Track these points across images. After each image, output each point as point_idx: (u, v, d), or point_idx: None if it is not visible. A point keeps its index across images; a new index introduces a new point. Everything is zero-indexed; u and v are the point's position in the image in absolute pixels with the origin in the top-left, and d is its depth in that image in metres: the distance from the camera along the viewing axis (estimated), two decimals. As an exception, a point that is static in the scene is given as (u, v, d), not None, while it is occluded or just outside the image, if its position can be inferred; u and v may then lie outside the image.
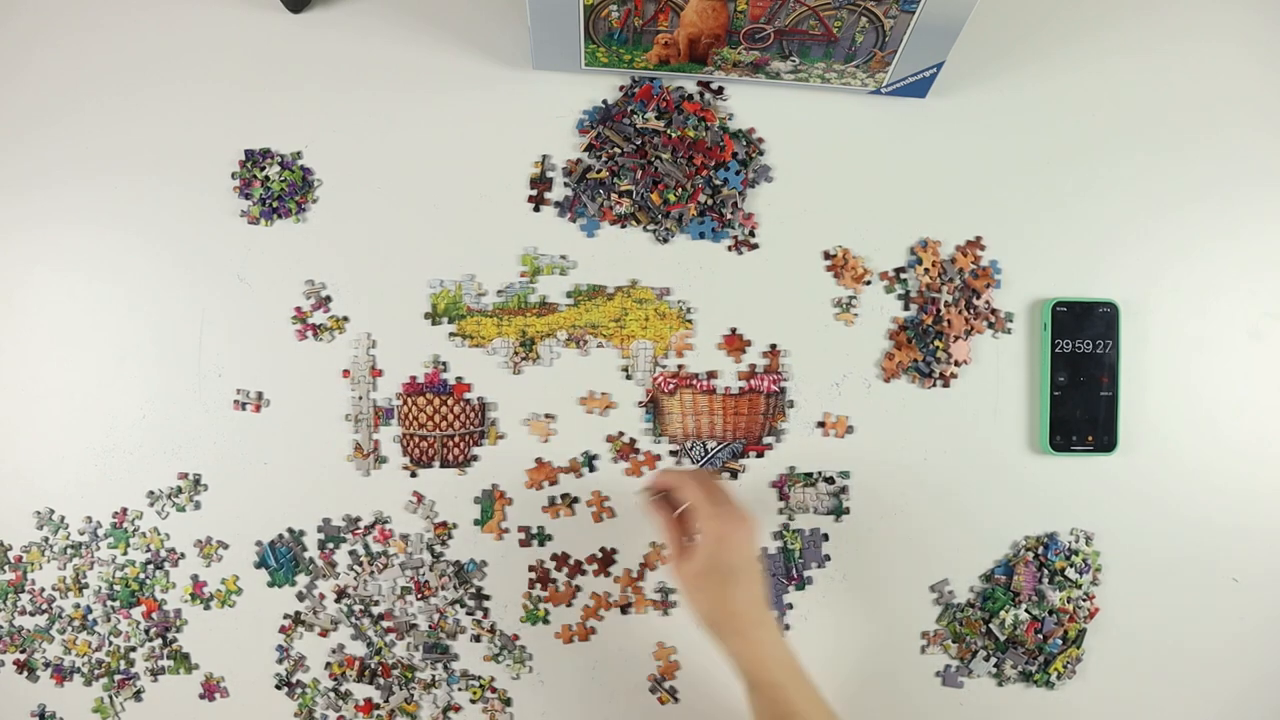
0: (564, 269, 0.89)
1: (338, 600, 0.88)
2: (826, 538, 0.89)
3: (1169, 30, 0.92)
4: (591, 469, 0.88)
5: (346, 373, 0.88)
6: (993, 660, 0.89)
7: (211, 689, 0.88)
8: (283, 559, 0.88)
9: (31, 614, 0.88)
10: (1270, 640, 0.91)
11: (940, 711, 0.89)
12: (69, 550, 0.88)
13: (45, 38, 0.89)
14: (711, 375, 0.89)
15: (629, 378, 0.89)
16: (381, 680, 0.88)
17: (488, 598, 0.88)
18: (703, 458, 0.89)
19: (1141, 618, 0.90)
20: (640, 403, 0.89)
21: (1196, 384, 0.91)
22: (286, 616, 0.88)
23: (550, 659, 0.89)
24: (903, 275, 0.90)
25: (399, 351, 0.88)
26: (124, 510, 0.88)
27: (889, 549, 0.89)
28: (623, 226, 0.89)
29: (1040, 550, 0.89)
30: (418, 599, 0.88)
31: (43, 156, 0.88)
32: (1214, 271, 0.91)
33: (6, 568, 0.88)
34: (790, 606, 0.89)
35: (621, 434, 0.88)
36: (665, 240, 0.89)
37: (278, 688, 0.88)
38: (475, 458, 0.88)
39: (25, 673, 0.88)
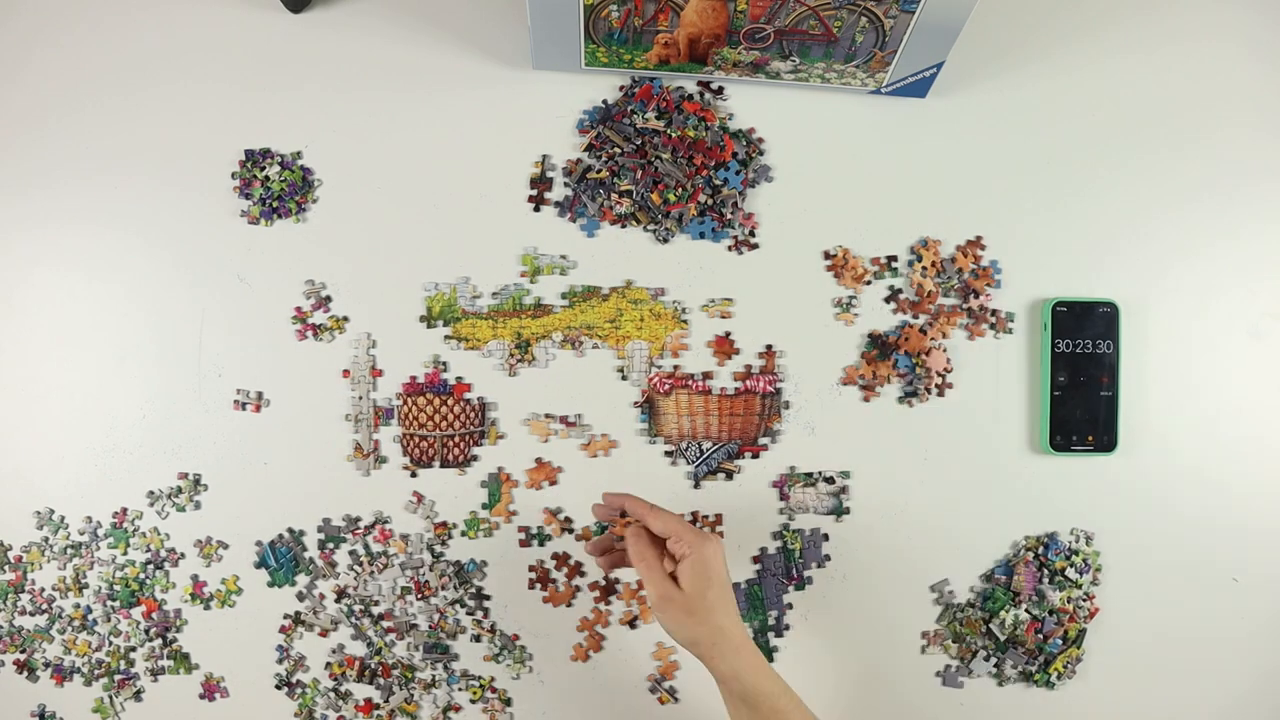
0: (564, 269, 0.89)
1: (338, 600, 0.88)
2: (827, 538, 0.89)
3: (1169, 30, 0.92)
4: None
5: (347, 373, 0.88)
6: (993, 660, 0.89)
7: (211, 689, 0.88)
8: (283, 559, 0.88)
9: (31, 614, 0.88)
10: (1270, 640, 0.91)
11: (940, 711, 0.89)
12: (69, 550, 0.88)
13: (45, 38, 0.89)
14: (707, 376, 0.89)
15: (624, 378, 0.89)
16: (381, 680, 0.88)
17: (488, 598, 0.88)
18: (698, 458, 0.89)
19: (1141, 618, 0.90)
20: (635, 403, 0.89)
21: (1196, 384, 0.91)
22: (286, 616, 0.88)
23: (550, 659, 0.89)
24: (894, 264, 0.90)
25: (399, 351, 0.88)
26: (124, 510, 0.88)
27: (889, 549, 0.89)
28: (623, 226, 0.89)
29: (1040, 550, 0.89)
30: (418, 599, 0.88)
31: (43, 156, 0.88)
32: (1214, 271, 0.91)
33: (6, 568, 0.88)
34: (790, 606, 0.89)
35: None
36: (665, 240, 0.89)
37: (278, 688, 0.88)
38: (475, 458, 0.88)
39: (25, 673, 0.88)
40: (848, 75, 0.86)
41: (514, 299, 0.88)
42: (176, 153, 0.88)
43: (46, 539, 0.88)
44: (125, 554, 0.88)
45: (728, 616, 0.72)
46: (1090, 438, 0.89)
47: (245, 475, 0.88)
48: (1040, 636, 0.89)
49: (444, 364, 0.88)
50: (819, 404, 0.89)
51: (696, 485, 0.89)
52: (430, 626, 0.88)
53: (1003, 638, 0.89)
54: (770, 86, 0.89)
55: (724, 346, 0.89)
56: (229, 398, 0.88)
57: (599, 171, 0.89)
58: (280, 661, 0.88)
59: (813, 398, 0.89)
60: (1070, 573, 0.89)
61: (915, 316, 0.90)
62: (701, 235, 0.89)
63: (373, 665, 0.88)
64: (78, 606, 0.88)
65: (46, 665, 0.88)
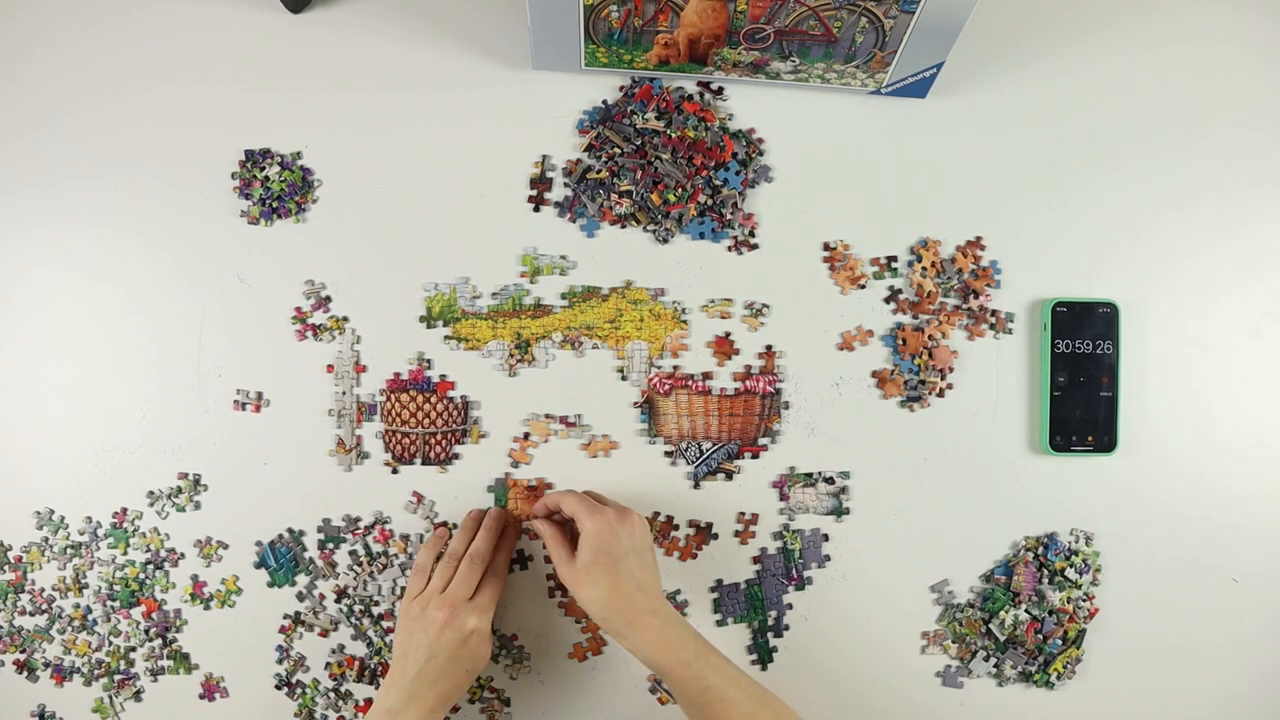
0: (564, 269, 0.89)
1: (338, 600, 0.88)
2: (827, 538, 0.89)
3: (1169, 30, 0.92)
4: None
5: (330, 368, 0.88)
6: (993, 660, 0.89)
7: (211, 689, 0.88)
8: (283, 559, 0.88)
9: (31, 614, 0.88)
10: (1270, 640, 0.91)
11: (940, 711, 0.89)
12: (69, 550, 0.88)
13: (45, 38, 0.89)
14: (707, 376, 0.89)
15: (624, 379, 0.89)
16: (381, 680, 0.88)
17: (487, 598, 0.88)
18: (698, 458, 0.89)
19: (1141, 618, 0.90)
20: (635, 404, 0.89)
21: (1196, 384, 0.91)
22: (286, 616, 0.88)
23: (550, 659, 0.89)
24: (893, 264, 0.90)
25: (392, 349, 0.88)
26: (124, 510, 0.88)
27: (889, 549, 0.89)
28: (623, 227, 0.89)
29: (1040, 550, 0.89)
30: (418, 599, 0.88)
31: (43, 156, 0.88)
32: (1214, 271, 0.91)
33: (6, 568, 0.88)
34: (790, 607, 0.89)
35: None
36: (665, 240, 0.89)
37: (278, 688, 0.88)
38: (456, 456, 0.88)
39: (25, 673, 0.88)
40: (848, 75, 0.86)
41: (514, 299, 0.88)
42: (176, 153, 0.88)
43: (46, 539, 0.88)
44: (125, 554, 0.88)
45: (629, 589, 0.74)
46: (1090, 438, 0.89)
47: (245, 475, 0.88)
48: (1040, 637, 0.89)
49: (428, 361, 0.88)
50: (819, 404, 0.89)
51: (696, 485, 0.89)
52: (430, 626, 0.88)
53: (1003, 638, 0.89)
54: (770, 87, 0.89)
55: (724, 347, 0.89)
56: (229, 398, 0.88)
57: (599, 172, 0.89)
58: (280, 661, 0.88)
59: (812, 398, 0.89)
60: (1070, 573, 0.89)
61: (914, 316, 0.90)
62: (701, 235, 0.89)
63: (373, 665, 0.88)
64: (78, 606, 0.88)
65: (46, 665, 0.88)
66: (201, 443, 0.88)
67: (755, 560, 0.89)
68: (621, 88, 0.89)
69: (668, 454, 0.89)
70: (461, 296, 0.88)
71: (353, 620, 0.88)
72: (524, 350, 0.88)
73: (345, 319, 0.88)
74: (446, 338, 0.88)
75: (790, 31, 0.81)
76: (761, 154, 0.90)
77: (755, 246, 0.90)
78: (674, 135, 0.88)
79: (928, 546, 0.89)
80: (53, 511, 0.88)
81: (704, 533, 0.89)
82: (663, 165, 0.88)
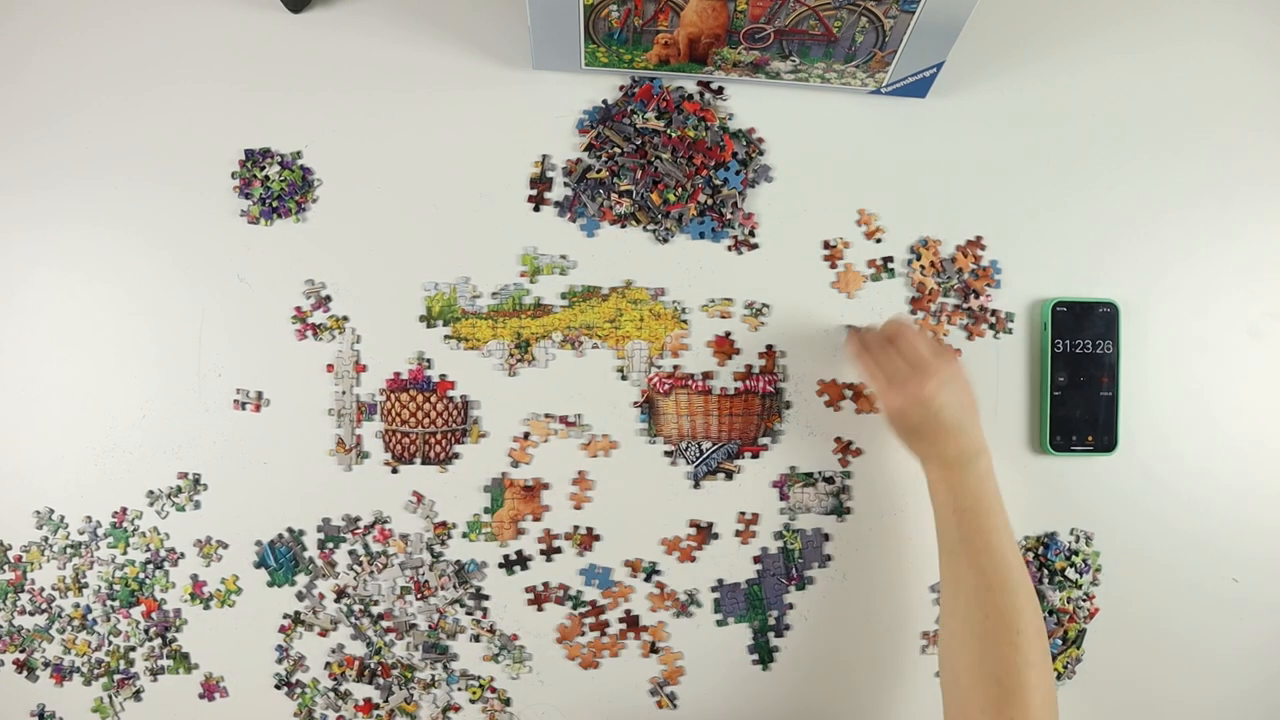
0: (564, 269, 0.89)
1: (337, 600, 0.88)
2: (827, 537, 0.89)
3: (1169, 30, 0.92)
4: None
5: (330, 367, 0.88)
6: (993, 660, 0.89)
7: (211, 689, 0.88)
8: (282, 559, 0.88)
9: (31, 614, 0.88)
10: (1270, 640, 0.91)
11: (940, 711, 0.89)
12: (69, 550, 0.88)
13: (45, 38, 0.89)
14: (707, 376, 0.89)
15: (624, 378, 0.89)
16: (381, 680, 0.88)
17: (487, 598, 0.88)
18: (698, 458, 0.89)
19: (1141, 618, 0.90)
20: (635, 403, 0.89)
21: (1196, 384, 0.91)
22: (286, 616, 0.88)
23: (550, 659, 0.89)
24: (890, 264, 0.90)
25: (393, 349, 0.88)
26: (124, 510, 0.88)
27: (890, 549, 0.89)
28: (623, 226, 0.89)
29: (1040, 550, 0.89)
30: (417, 599, 0.88)
31: (43, 156, 0.88)
32: (1214, 271, 0.91)
33: (6, 568, 0.88)
34: (791, 606, 0.89)
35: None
36: (665, 240, 0.89)
37: (277, 688, 0.88)
38: (457, 455, 0.88)
39: (25, 672, 0.88)
40: (848, 75, 0.86)
41: (514, 299, 0.88)
42: (176, 153, 0.88)
43: (46, 539, 0.88)
44: (125, 554, 0.88)
45: (949, 408, 0.76)
46: (1090, 438, 0.89)
47: (245, 475, 0.88)
48: (1040, 636, 0.89)
49: (428, 360, 0.88)
50: (819, 403, 0.89)
51: (696, 485, 0.89)
52: (430, 626, 0.88)
53: (1003, 638, 0.89)
54: (770, 86, 0.89)
55: (724, 346, 0.89)
56: (229, 397, 0.88)
57: (599, 171, 0.89)
58: (280, 661, 0.88)
59: (812, 397, 0.89)
60: (1070, 573, 0.89)
61: (915, 312, 0.90)
62: (701, 235, 0.89)
63: (372, 665, 0.88)
64: (77, 606, 0.88)
65: (46, 665, 0.88)
66: (201, 442, 0.88)
67: (756, 560, 0.89)
68: (621, 87, 0.89)
69: (668, 454, 0.89)
70: (461, 296, 0.88)
71: (352, 620, 0.88)
72: (524, 350, 0.88)
73: (345, 319, 0.88)
74: (446, 337, 0.88)
75: (790, 31, 0.81)
76: (761, 154, 0.90)
77: (755, 246, 0.90)
78: (674, 135, 0.88)
79: (928, 546, 0.89)
80: (53, 511, 0.88)
81: (704, 532, 0.89)
82: (663, 165, 0.88)
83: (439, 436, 0.88)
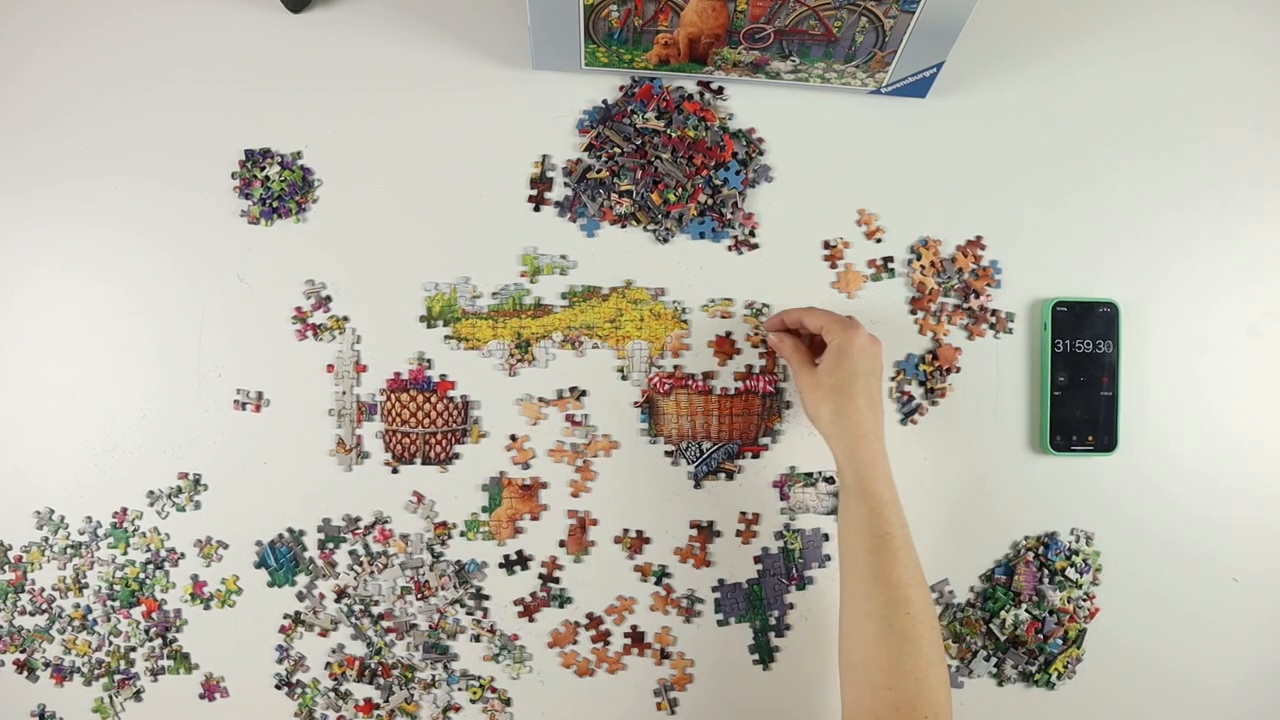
0: (564, 269, 0.89)
1: (338, 600, 0.88)
2: (827, 537, 0.89)
3: (1169, 30, 0.92)
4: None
5: (331, 367, 0.88)
6: (993, 660, 0.89)
7: (211, 689, 0.88)
8: (283, 559, 0.88)
9: (31, 614, 0.88)
10: (1270, 640, 0.91)
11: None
12: (69, 550, 0.88)
13: (45, 38, 0.89)
14: (708, 376, 0.89)
15: (625, 378, 0.89)
16: (381, 680, 0.88)
17: (487, 598, 0.88)
18: (698, 458, 0.89)
19: (1141, 618, 0.90)
20: (636, 403, 0.89)
21: (1196, 384, 0.91)
22: (286, 616, 0.88)
23: (550, 659, 0.89)
24: (890, 264, 0.90)
25: (393, 349, 0.88)
26: (124, 510, 0.88)
27: (889, 549, 0.89)
28: (623, 226, 0.89)
29: (1040, 550, 0.89)
30: (418, 599, 0.88)
31: (43, 156, 0.88)
32: (1214, 271, 0.91)
33: (6, 568, 0.88)
34: (791, 606, 0.89)
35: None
36: (665, 240, 0.89)
37: (278, 688, 0.88)
38: (457, 455, 0.88)
39: (25, 673, 0.88)
40: (848, 75, 0.86)
41: (514, 299, 0.88)
42: (176, 153, 0.88)
43: (46, 539, 0.88)
44: (125, 554, 0.88)
45: (862, 408, 0.77)
46: (1090, 438, 0.89)
47: (245, 475, 0.88)
48: (1040, 636, 0.89)
49: (428, 360, 0.88)
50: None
51: (697, 485, 0.89)
52: (430, 626, 0.88)
53: (1003, 638, 0.89)
54: (770, 86, 0.89)
55: (724, 346, 0.89)
56: (229, 398, 0.88)
57: (599, 171, 0.89)
58: (280, 661, 0.88)
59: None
60: (1070, 573, 0.89)
61: (915, 312, 0.90)
62: (701, 235, 0.89)
63: (373, 665, 0.88)
64: (78, 606, 0.88)
65: (46, 665, 0.88)
66: (201, 443, 0.88)
67: (756, 560, 0.89)
68: (621, 87, 0.89)
69: (668, 453, 0.89)
70: (461, 296, 0.88)
71: (352, 620, 0.88)
72: (524, 350, 0.88)
73: (345, 319, 0.88)
74: (447, 337, 0.88)
75: (790, 31, 0.81)
76: (761, 154, 0.90)
77: (755, 246, 0.90)
78: (674, 135, 0.88)
79: (928, 546, 0.89)
80: (53, 511, 0.88)
81: (705, 531, 0.89)
82: (663, 165, 0.88)
83: (439, 437, 0.88)
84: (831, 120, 0.90)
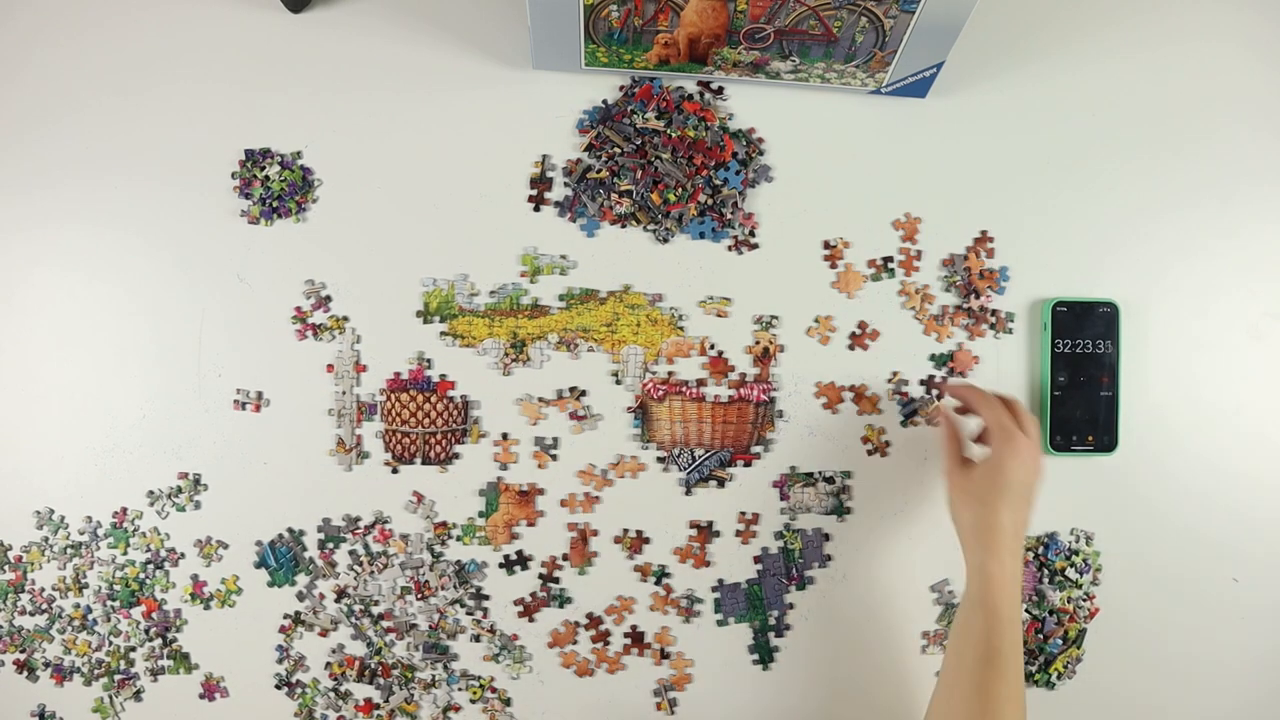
0: (564, 269, 0.89)
1: (338, 600, 0.88)
2: (828, 537, 0.89)
3: (1169, 30, 0.92)
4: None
5: (331, 367, 0.88)
6: (993, 660, 0.89)
7: (211, 689, 0.88)
8: (283, 559, 0.88)
9: (31, 614, 0.88)
10: (1270, 640, 0.91)
11: (940, 711, 0.89)
12: (69, 550, 0.88)
13: (45, 38, 0.89)
14: (701, 383, 0.89)
15: (619, 383, 0.89)
16: (381, 680, 0.88)
17: (487, 598, 0.88)
18: (690, 465, 0.89)
19: (1141, 618, 0.90)
20: (629, 409, 0.89)
21: (1196, 384, 0.91)
22: (286, 616, 0.88)
23: (550, 659, 0.89)
24: (890, 264, 0.90)
25: (390, 348, 0.88)
26: (124, 510, 0.88)
27: (890, 549, 0.89)
28: (623, 226, 0.89)
29: (1040, 550, 0.89)
30: (418, 599, 0.88)
31: (43, 156, 0.88)
32: (1214, 271, 0.91)
33: (6, 568, 0.88)
34: (791, 606, 0.89)
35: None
36: (665, 240, 0.89)
37: (278, 688, 0.88)
38: (457, 455, 0.88)
39: (25, 673, 0.88)
40: (848, 75, 0.86)
41: (511, 298, 0.88)
42: (176, 153, 0.88)
43: (46, 539, 0.88)
44: (125, 554, 0.88)
45: (1006, 520, 0.75)
46: (1090, 438, 0.89)
47: (245, 475, 0.88)
48: (1040, 636, 0.89)
49: (428, 360, 0.88)
50: (819, 404, 0.89)
51: (688, 492, 0.89)
52: (430, 626, 0.88)
53: (1003, 638, 0.89)
54: (770, 86, 0.89)
55: (718, 366, 0.89)
56: (229, 397, 0.88)
57: (599, 171, 0.89)
58: (280, 661, 0.88)
59: (810, 398, 0.89)
60: (1070, 573, 0.89)
61: (910, 306, 0.90)
62: (701, 235, 0.89)
63: (373, 665, 0.88)
64: (78, 606, 0.88)
65: (46, 665, 0.88)
66: (201, 443, 0.88)
67: (756, 560, 0.89)
68: (621, 87, 0.89)
69: (660, 460, 0.89)
70: (459, 293, 0.88)
71: (352, 620, 0.88)
72: (519, 350, 0.88)
73: (345, 318, 0.88)
74: (442, 334, 0.88)
75: (790, 31, 0.81)
76: (761, 154, 0.90)
77: (755, 246, 0.90)
78: (674, 135, 0.88)
79: (928, 546, 0.89)
80: (53, 511, 0.88)
81: (705, 531, 0.89)
82: (663, 165, 0.88)
83: (439, 436, 0.88)
84: (831, 120, 0.90)
